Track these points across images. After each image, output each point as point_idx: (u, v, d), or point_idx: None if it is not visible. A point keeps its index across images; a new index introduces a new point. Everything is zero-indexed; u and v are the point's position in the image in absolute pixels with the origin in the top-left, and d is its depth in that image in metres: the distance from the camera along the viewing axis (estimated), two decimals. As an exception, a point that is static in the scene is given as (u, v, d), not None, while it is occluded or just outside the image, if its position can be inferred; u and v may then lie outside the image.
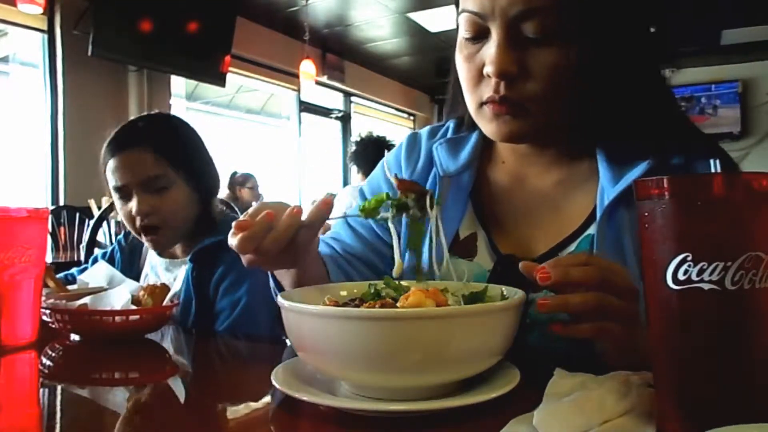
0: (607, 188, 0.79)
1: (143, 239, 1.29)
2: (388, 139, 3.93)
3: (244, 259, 0.71)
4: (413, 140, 0.99)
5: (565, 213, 0.84)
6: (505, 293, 0.64)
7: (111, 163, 1.27)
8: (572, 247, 0.81)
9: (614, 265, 0.64)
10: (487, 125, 0.79)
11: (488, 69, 0.74)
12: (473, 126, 0.87)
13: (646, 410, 0.52)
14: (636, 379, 0.56)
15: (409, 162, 0.97)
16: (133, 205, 1.24)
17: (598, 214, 0.79)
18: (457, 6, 0.80)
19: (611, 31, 0.75)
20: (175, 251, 1.39)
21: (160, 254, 1.40)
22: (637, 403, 0.53)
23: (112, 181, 1.27)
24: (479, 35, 0.76)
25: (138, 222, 1.25)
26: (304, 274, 0.78)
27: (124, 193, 1.26)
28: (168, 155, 1.27)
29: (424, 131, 1.00)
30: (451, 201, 0.89)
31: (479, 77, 0.77)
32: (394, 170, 0.97)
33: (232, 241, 0.68)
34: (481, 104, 0.78)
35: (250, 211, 0.70)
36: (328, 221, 0.73)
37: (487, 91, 0.76)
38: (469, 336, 0.54)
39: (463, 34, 0.78)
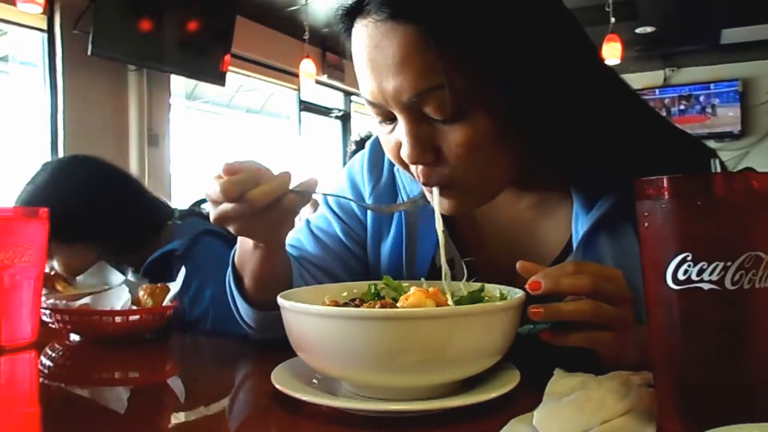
0: (581, 215, 0.76)
1: None
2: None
3: (219, 209, 0.65)
4: (377, 148, 0.92)
5: (542, 240, 0.82)
6: (504, 293, 0.64)
7: None
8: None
9: (608, 270, 0.63)
10: (443, 207, 0.74)
11: (403, 155, 0.70)
12: None
13: (646, 410, 0.52)
14: (636, 379, 0.57)
15: (372, 174, 0.91)
16: None
17: (575, 244, 0.76)
18: None
19: (524, 87, 0.66)
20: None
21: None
22: (637, 403, 0.53)
23: None
24: (387, 118, 0.71)
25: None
26: (271, 259, 0.75)
27: None
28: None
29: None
30: (421, 229, 0.84)
31: (401, 157, 0.71)
32: (360, 178, 0.93)
33: (215, 185, 0.63)
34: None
35: (232, 161, 0.64)
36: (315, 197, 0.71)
37: (412, 173, 0.73)
38: (469, 336, 0.54)
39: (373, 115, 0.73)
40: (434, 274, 0.83)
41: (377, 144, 0.92)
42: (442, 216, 0.79)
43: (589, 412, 0.51)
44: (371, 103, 0.70)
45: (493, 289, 0.66)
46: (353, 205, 0.92)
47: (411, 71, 0.64)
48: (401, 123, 0.69)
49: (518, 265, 0.63)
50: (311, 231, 0.93)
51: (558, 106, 0.68)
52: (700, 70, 7.13)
